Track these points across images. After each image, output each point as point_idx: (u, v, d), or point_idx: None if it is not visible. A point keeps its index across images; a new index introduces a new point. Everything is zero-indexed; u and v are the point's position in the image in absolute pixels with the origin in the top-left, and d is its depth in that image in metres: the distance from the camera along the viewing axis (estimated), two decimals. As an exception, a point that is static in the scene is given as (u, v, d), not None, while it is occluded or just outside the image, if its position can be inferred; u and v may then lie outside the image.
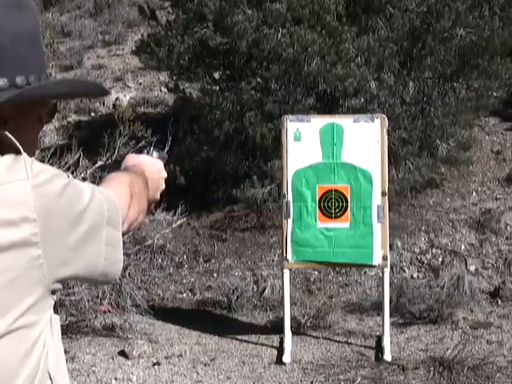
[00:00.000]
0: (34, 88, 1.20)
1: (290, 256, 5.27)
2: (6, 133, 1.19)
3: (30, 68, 1.19)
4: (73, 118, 9.75)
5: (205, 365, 5.27)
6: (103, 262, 1.33)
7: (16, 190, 1.18)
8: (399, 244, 7.01)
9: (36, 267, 1.22)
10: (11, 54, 1.15)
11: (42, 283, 1.24)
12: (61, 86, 1.29)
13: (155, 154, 1.79)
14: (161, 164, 1.79)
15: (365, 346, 5.50)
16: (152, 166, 1.74)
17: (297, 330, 5.70)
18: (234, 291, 6.37)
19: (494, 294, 6.31)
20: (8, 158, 1.19)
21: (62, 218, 1.24)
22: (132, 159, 1.72)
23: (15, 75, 1.16)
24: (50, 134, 8.90)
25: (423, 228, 7.20)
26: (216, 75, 7.97)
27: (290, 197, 5.28)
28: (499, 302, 6.21)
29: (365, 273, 6.75)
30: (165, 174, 1.78)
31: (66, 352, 5.45)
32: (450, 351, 5.13)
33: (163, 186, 1.77)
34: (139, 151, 1.76)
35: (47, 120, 1.33)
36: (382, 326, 5.40)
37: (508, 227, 7.04)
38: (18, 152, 1.20)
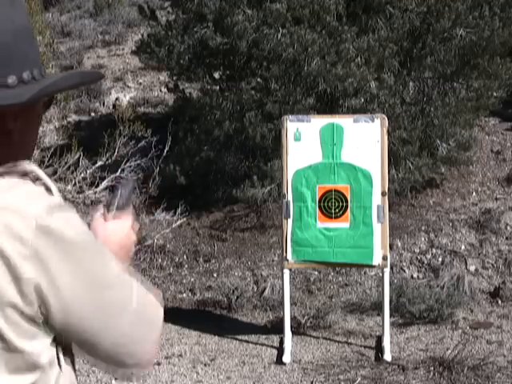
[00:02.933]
0: (55, 82, 1.20)
1: (290, 256, 5.27)
2: (36, 168, 1.19)
3: (32, 63, 1.19)
4: (73, 117, 9.75)
5: (205, 365, 5.27)
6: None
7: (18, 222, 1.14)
8: (399, 244, 7.01)
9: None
10: (15, 51, 1.16)
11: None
12: (73, 77, 1.29)
13: (120, 200, 1.52)
14: (127, 226, 1.56)
15: (365, 346, 5.50)
16: (120, 237, 1.54)
17: (297, 330, 5.70)
18: (234, 291, 6.37)
19: (494, 294, 6.31)
20: (32, 187, 1.18)
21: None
22: (99, 236, 1.49)
23: (22, 71, 1.16)
24: (50, 134, 8.90)
25: (423, 228, 7.20)
26: (216, 75, 7.97)
27: (289, 197, 5.28)
28: (499, 301, 6.22)
29: (365, 273, 6.75)
30: (134, 237, 1.61)
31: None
32: (449, 351, 5.13)
33: (133, 247, 1.63)
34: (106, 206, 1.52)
35: (43, 112, 1.30)
36: (382, 326, 5.40)
37: (508, 227, 7.04)
38: (47, 188, 1.20)
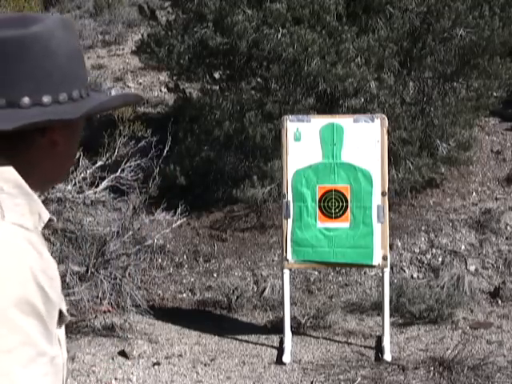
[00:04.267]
0: (103, 103, 1.33)
1: (290, 256, 5.27)
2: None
3: (80, 82, 1.31)
4: (73, 118, 9.72)
5: (205, 365, 5.27)
6: None
7: None
8: (399, 244, 7.01)
9: None
10: (68, 72, 1.28)
11: None
12: (118, 99, 1.42)
13: None
14: None
15: (365, 346, 5.50)
16: None
17: (297, 330, 5.70)
18: (234, 291, 6.37)
19: (494, 294, 6.31)
20: None
21: None
22: None
23: (71, 90, 1.28)
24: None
25: (423, 228, 7.20)
26: (216, 75, 7.97)
27: (289, 197, 5.28)
28: (499, 301, 6.22)
29: (365, 273, 6.75)
30: None
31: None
32: (449, 351, 5.13)
33: None
34: None
35: (83, 124, 1.41)
36: (382, 326, 5.40)
37: (508, 227, 7.04)
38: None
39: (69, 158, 1.35)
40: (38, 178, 1.28)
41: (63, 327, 1.26)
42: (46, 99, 1.23)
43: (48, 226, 1.26)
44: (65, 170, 1.37)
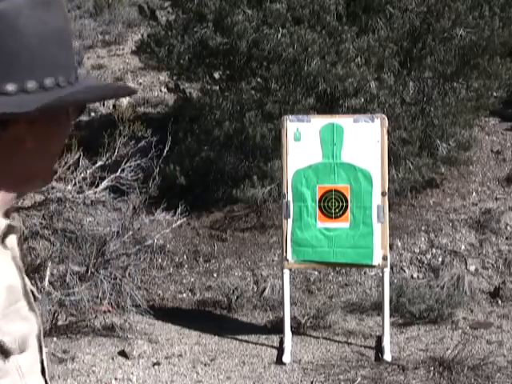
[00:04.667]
0: (73, 94, 1.13)
1: (290, 256, 5.27)
2: None
3: (59, 68, 1.13)
4: (73, 117, 9.72)
5: (205, 365, 5.27)
6: None
7: None
8: (399, 244, 7.01)
9: None
10: (40, 55, 1.10)
11: None
12: (96, 90, 1.21)
13: None
14: None
15: (365, 346, 5.50)
16: None
17: (297, 330, 5.70)
18: (234, 291, 6.38)
19: (494, 294, 6.31)
20: None
21: None
22: None
23: (44, 77, 1.11)
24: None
25: (423, 228, 7.20)
26: (216, 75, 7.97)
27: (289, 197, 5.28)
28: (499, 301, 6.22)
29: (365, 273, 6.75)
30: None
31: (65, 352, 5.45)
32: (449, 351, 5.13)
33: None
34: None
35: (73, 118, 1.21)
36: (382, 326, 5.40)
37: (508, 227, 7.04)
38: None
39: (44, 156, 1.15)
40: (7, 176, 1.11)
41: (28, 354, 1.12)
42: (10, 88, 1.06)
43: (8, 232, 1.11)
44: (42, 170, 1.17)
